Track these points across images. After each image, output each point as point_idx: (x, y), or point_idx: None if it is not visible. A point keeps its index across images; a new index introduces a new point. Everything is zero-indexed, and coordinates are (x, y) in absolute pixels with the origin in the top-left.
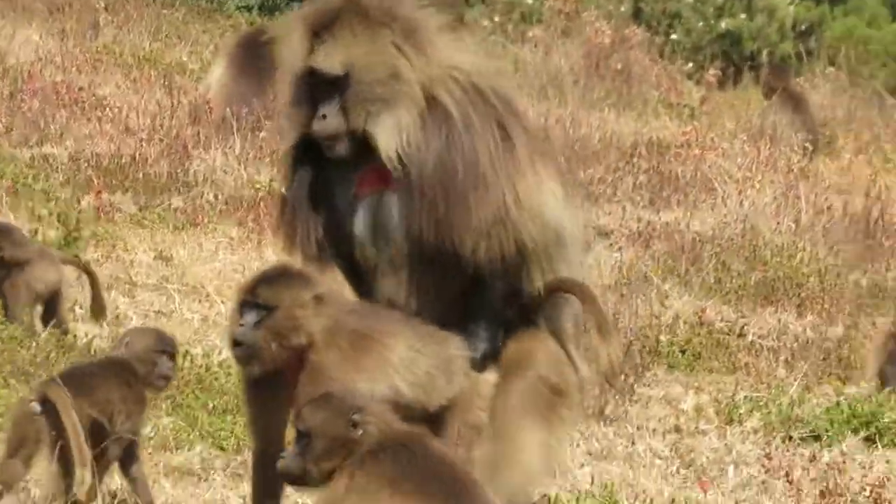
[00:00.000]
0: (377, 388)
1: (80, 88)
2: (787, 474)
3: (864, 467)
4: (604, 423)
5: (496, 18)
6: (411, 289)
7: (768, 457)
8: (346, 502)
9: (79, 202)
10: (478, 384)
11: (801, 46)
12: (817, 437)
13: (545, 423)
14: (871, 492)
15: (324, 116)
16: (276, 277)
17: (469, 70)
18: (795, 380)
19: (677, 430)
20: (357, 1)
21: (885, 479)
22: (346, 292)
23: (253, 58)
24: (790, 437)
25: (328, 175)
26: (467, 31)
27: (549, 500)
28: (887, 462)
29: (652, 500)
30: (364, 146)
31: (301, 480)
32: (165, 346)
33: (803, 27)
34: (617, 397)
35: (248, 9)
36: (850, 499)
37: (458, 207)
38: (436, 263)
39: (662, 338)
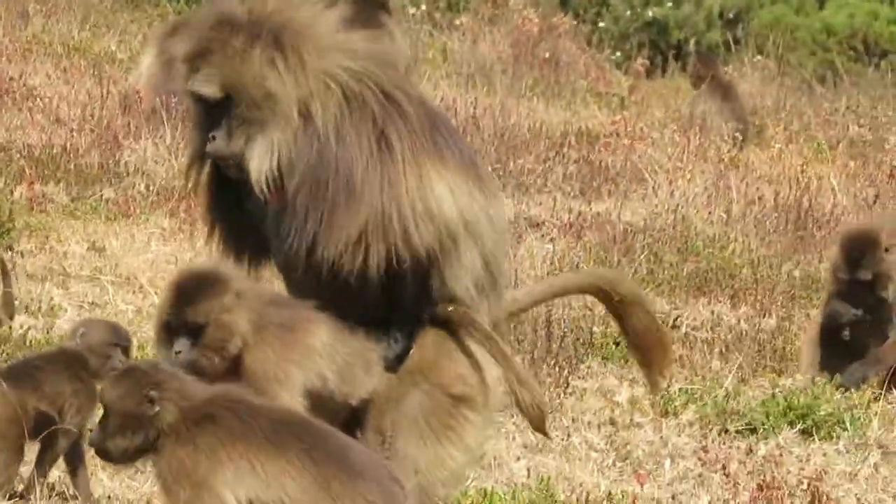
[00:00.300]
0: (307, 376)
1: (11, 78)
2: (723, 467)
3: (800, 460)
4: None
5: (423, 6)
6: (313, 294)
7: (704, 450)
8: (198, 468)
9: (11, 193)
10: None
11: (729, 35)
12: (753, 430)
13: (445, 434)
14: (809, 485)
15: (213, 138)
16: (194, 291)
17: (348, 73)
18: (730, 372)
19: (612, 422)
20: (229, 19)
21: (822, 472)
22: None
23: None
24: (726, 430)
25: (242, 184)
26: (394, 20)
27: (486, 493)
28: (824, 455)
29: (588, 494)
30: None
31: (106, 456)
32: (120, 340)
33: (731, 15)
34: (551, 389)
35: None
36: (787, 492)
37: (327, 224)
38: (326, 272)
39: (596, 329)
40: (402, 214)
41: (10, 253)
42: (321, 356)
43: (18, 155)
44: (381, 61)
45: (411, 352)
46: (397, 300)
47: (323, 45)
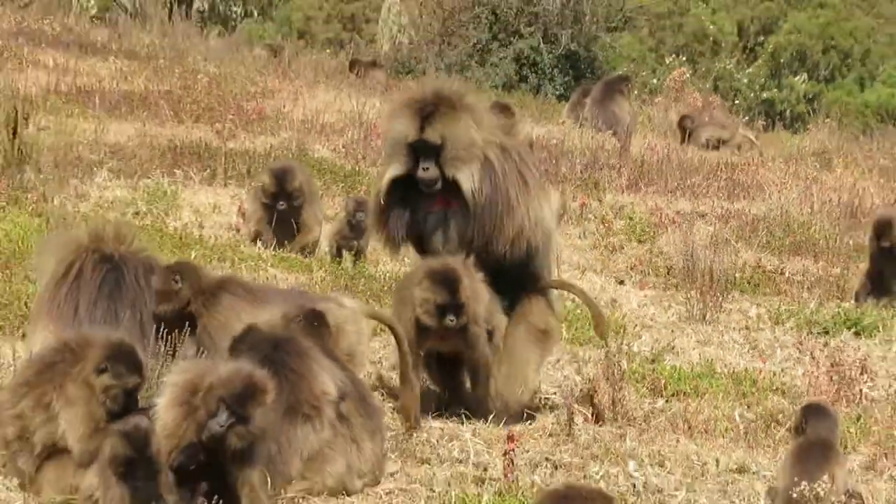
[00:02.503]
0: (479, 308)
1: None
2: (812, 355)
3: (855, 350)
4: (704, 323)
5: (636, 91)
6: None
7: (800, 343)
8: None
9: None
10: (501, 323)
11: None
12: (825, 332)
13: (536, 352)
14: (861, 363)
15: (426, 168)
16: (458, 281)
17: (499, 136)
18: (813, 299)
19: (747, 328)
20: (445, 96)
21: (866, 357)
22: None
23: None
24: (812, 332)
25: (412, 196)
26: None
27: (676, 370)
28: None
29: (734, 369)
30: (447, 186)
31: (160, 319)
32: None
33: None
34: (712, 307)
35: None
36: (847, 368)
37: (497, 226)
38: (475, 254)
39: (738, 275)
40: (531, 225)
41: None
42: (484, 299)
43: None
44: (507, 133)
45: (518, 305)
46: (511, 274)
47: (489, 117)
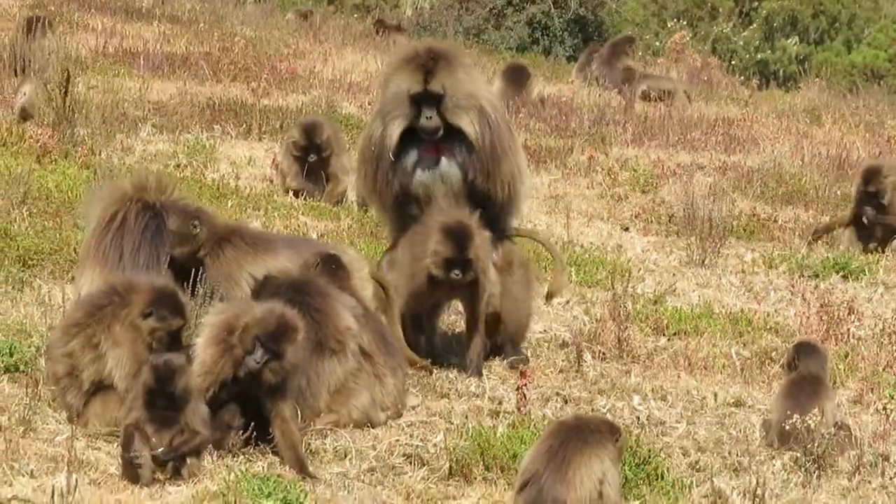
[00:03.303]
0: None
1: None
2: (802, 297)
3: (843, 293)
4: (703, 267)
5: (640, 53)
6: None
7: (792, 286)
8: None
9: None
10: (494, 274)
11: None
12: (816, 275)
13: (530, 289)
14: (848, 304)
15: (430, 117)
16: (468, 236)
17: (488, 93)
18: (804, 245)
19: (743, 271)
20: (442, 51)
21: (854, 298)
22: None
23: None
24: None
25: (405, 147)
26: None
27: (677, 311)
28: (849, 290)
29: (730, 310)
30: (446, 134)
31: (174, 259)
32: None
33: None
34: (710, 252)
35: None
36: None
37: (495, 169)
38: (471, 196)
39: (734, 223)
40: (518, 172)
41: None
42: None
43: None
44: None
45: (503, 248)
46: (497, 219)
47: (476, 75)
